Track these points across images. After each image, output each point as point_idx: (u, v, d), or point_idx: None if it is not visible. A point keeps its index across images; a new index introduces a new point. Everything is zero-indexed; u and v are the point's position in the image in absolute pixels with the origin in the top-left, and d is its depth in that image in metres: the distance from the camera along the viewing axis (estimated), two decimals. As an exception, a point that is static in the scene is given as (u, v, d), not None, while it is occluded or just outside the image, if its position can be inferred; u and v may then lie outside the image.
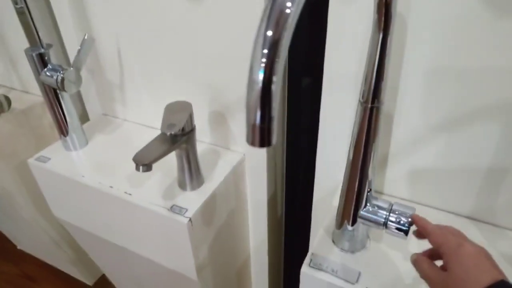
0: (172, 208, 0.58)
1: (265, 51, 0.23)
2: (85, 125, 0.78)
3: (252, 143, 0.25)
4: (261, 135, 0.25)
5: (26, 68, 0.80)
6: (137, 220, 0.63)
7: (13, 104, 0.84)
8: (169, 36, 0.62)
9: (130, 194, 0.61)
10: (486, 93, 0.44)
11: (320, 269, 0.48)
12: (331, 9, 0.48)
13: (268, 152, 0.66)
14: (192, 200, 0.59)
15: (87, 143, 0.73)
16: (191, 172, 0.60)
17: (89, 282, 1.24)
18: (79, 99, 0.83)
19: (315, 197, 0.65)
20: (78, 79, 0.63)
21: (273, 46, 0.23)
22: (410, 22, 0.44)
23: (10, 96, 0.85)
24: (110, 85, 0.75)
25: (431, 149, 0.51)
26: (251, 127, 0.25)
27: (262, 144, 0.25)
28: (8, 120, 0.82)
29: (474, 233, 0.52)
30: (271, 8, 0.24)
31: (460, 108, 0.47)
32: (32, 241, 1.16)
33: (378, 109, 0.40)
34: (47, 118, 0.88)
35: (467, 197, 0.52)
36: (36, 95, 0.88)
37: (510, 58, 0.41)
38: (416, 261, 0.40)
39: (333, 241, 0.52)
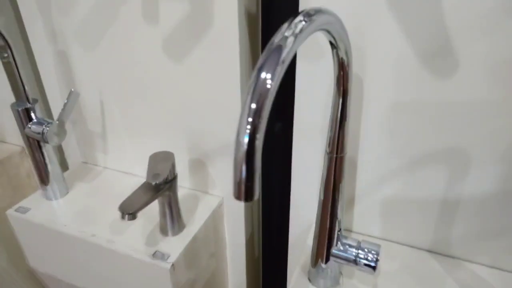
0: (155, 255, 0.60)
1: (250, 119, 0.29)
2: (65, 174, 0.80)
3: (238, 198, 0.29)
4: (246, 191, 0.29)
5: (1, 119, 0.82)
6: (119, 267, 0.64)
7: (-12, 154, 0.85)
8: (151, 90, 0.67)
9: (113, 242, 0.63)
10: (434, 133, 0.52)
11: (298, 307, 0.52)
12: (298, 68, 0.55)
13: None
14: (174, 245, 0.62)
15: (67, 191, 0.75)
16: (173, 218, 0.63)
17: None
18: (58, 147, 0.85)
19: (291, 237, 0.69)
20: (62, 132, 0.66)
21: (256, 116, 0.29)
22: (366, 81, 0.51)
23: (-13, 146, 0.86)
24: (91, 135, 0.78)
25: (391, 187, 0.57)
26: (237, 184, 0.29)
27: (247, 199, 0.29)
28: (-16, 170, 0.83)
29: (433, 266, 0.57)
30: (255, 84, 0.29)
31: (413, 150, 0.53)
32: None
33: (342, 158, 0.46)
34: (24, 168, 0.89)
35: (426, 231, 0.58)
36: (13, 144, 0.89)
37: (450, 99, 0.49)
38: None
39: (309, 279, 0.56)
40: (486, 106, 0.47)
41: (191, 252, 0.64)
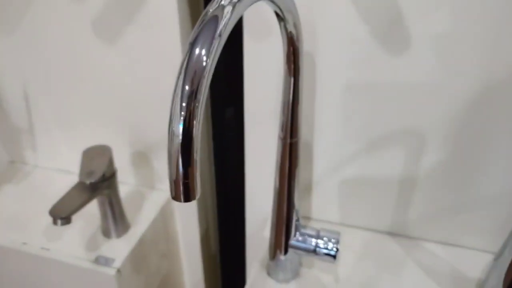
0: (97, 260, 0.54)
1: (184, 104, 0.24)
2: (-11, 176, 0.71)
3: (176, 198, 0.25)
4: (184, 190, 0.24)
5: None
6: (58, 277, 0.57)
7: None
8: (82, 76, 0.59)
9: (47, 249, 0.56)
10: (390, 114, 0.49)
11: (258, 304, 0.49)
12: (246, 46, 0.50)
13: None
14: (119, 248, 0.56)
15: (-8, 196, 0.66)
16: (115, 218, 0.57)
17: None
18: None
19: (248, 230, 0.65)
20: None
21: (191, 99, 0.24)
22: (318, 60, 0.48)
23: None
24: (16, 130, 0.69)
25: (348, 171, 0.55)
26: (173, 182, 0.24)
27: (186, 199, 0.25)
28: None
29: (393, 248, 0.56)
30: (187, 63, 0.24)
31: (369, 132, 0.51)
32: None
33: (296, 143, 0.42)
34: None
35: (385, 214, 0.57)
36: None
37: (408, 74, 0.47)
38: None
39: (268, 273, 0.53)
40: (437, 86, 0.46)
41: (138, 255, 0.58)
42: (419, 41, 0.44)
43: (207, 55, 0.24)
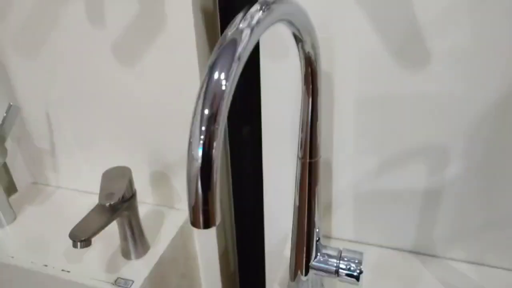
0: (117, 282, 0.54)
1: (203, 127, 0.24)
2: (13, 197, 0.72)
3: (195, 225, 0.24)
4: (204, 217, 0.24)
5: None
6: (78, 299, 0.57)
7: None
8: (102, 99, 0.60)
9: (68, 272, 0.56)
10: (409, 128, 0.48)
11: (279, 327, 0.47)
12: (262, 66, 0.50)
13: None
14: (138, 270, 0.56)
15: (15, 217, 0.67)
16: (135, 239, 0.57)
17: None
18: (4, 169, 0.77)
19: (267, 249, 0.64)
20: (3, 152, 0.59)
21: (211, 122, 0.24)
22: (334, 77, 0.48)
23: None
24: (39, 152, 0.71)
25: (369, 188, 0.54)
26: (192, 208, 0.24)
27: (206, 226, 0.24)
28: None
29: (417, 266, 0.54)
30: (207, 86, 0.24)
31: (389, 147, 0.50)
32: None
33: (316, 162, 0.42)
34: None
35: (408, 232, 0.55)
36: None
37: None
38: None
39: (288, 295, 0.52)
40: (456, 98, 0.44)
41: (158, 276, 0.58)
42: (437, 55, 0.43)
43: (227, 78, 0.24)
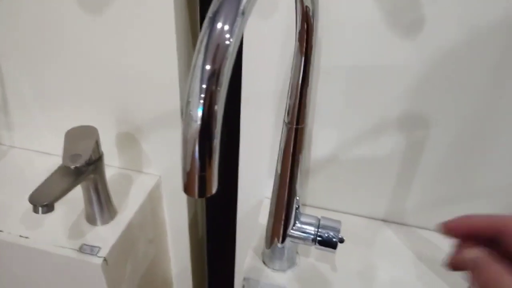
0: (82, 248, 0.51)
1: (204, 85, 0.21)
2: (-42, 156, 0.65)
3: (188, 192, 0.22)
4: (200, 184, 0.22)
5: None
6: (39, 267, 0.54)
7: None
8: (66, 51, 0.54)
9: (26, 238, 0.52)
10: (394, 99, 0.48)
11: (254, 294, 0.47)
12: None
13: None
14: (105, 236, 0.53)
15: (-38, 179, 0.61)
16: (101, 204, 0.53)
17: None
18: None
19: (239, 215, 0.63)
20: None
21: (213, 80, 0.21)
22: (323, 41, 0.45)
23: None
24: (-11, 108, 0.63)
25: (347, 157, 0.53)
26: (187, 175, 0.22)
27: (201, 194, 0.22)
28: None
29: (388, 234, 0.55)
30: (208, 39, 0.21)
31: (372, 117, 0.49)
32: None
33: (302, 129, 0.40)
34: None
35: (381, 201, 0.56)
36: None
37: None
38: (482, 264, 0.24)
39: (263, 262, 0.51)
40: (447, 70, 0.44)
41: (125, 242, 0.55)
42: (432, 21, 0.42)
43: (231, 32, 0.21)
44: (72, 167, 0.45)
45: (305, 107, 0.38)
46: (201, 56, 0.21)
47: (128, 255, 0.57)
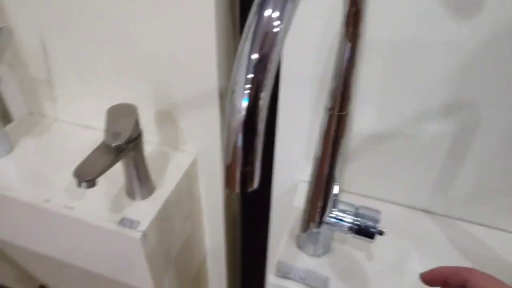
0: (122, 222, 0.52)
1: (250, 75, 0.20)
2: (9, 127, 0.68)
3: (230, 187, 0.21)
4: (242, 179, 0.21)
5: None
6: (83, 236, 0.56)
7: None
8: (107, 28, 0.54)
9: (71, 208, 0.54)
10: (443, 84, 0.45)
11: (288, 278, 0.47)
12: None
13: (223, 152, 0.62)
14: (144, 211, 0.54)
15: (12, 148, 0.64)
16: (140, 180, 0.54)
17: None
18: (-2, 97, 0.72)
19: (274, 196, 0.63)
20: (-3, 79, 0.54)
21: (260, 69, 0.20)
22: (368, 19, 0.42)
23: None
24: (35, 81, 0.66)
25: (390, 144, 0.51)
26: (229, 169, 0.21)
27: (243, 190, 0.21)
28: None
29: (429, 226, 0.53)
30: (256, 26, 0.20)
31: (418, 103, 0.47)
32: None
33: (345, 116, 0.38)
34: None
35: (423, 191, 0.54)
36: None
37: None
38: None
39: (297, 246, 0.51)
40: (504, 53, 0.40)
41: (163, 217, 0.56)
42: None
43: (280, 18, 0.20)
44: (113, 145, 0.46)
45: (349, 93, 0.36)
46: (248, 44, 0.20)
47: (165, 229, 0.58)
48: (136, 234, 0.51)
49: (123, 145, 0.47)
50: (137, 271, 0.56)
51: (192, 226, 0.69)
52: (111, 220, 0.53)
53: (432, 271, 0.33)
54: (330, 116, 0.39)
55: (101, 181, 0.57)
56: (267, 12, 0.20)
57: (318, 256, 0.49)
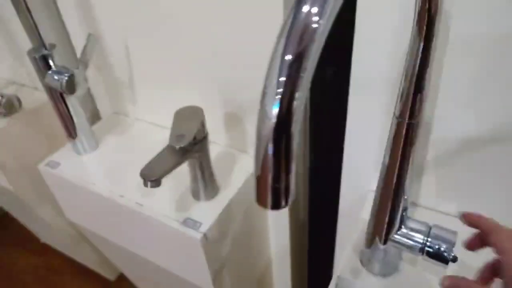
0: (186, 222, 0.54)
1: (282, 78, 0.18)
2: (96, 125, 0.75)
3: (261, 203, 0.20)
4: (274, 196, 0.19)
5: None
6: (150, 231, 0.59)
7: (24, 103, 0.81)
8: (179, 33, 0.56)
9: (141, 205, 0.57)
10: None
11: (347, 296, 0.44)
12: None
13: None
14: (207, 212, 0.55)
15: (97, 145, 0.70)
16: (205, 181, 0.55)
17: (111, 277, 1.23)
18: (90, 97, 0.79)
19: (342, 205, 0.60)
20: (83, 81, 0.59)
21: (294, 70, 0.18)
22: (451, 15, 0.37)
23: (21, 93, 0.82)
24: (119, 83, 0.71)
25: (473, 155, 0.44)
26: (259, 182, 0.19)
27: (275, 207, 0.20)
28: (19, 119, 0.80)
29: None
30: (293, 22, 0.18)
31: (504, 107, 0.40)
32: (54, 236, 1.15)
33: (415, 125, 0.34)
34: (59, 117, 0.85)
35: (509, 211, 0.46)
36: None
37: None
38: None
39: (361, 262, 0.47)
40: None
41: (226, 219, 0.57)
42: None
43: (320, 13, 0.18)
44: (177, 147, 0.47)
45: (420, 100, 0.32)
46: (282, 42, 0.18)
47: (227, 232, 0.59)
48: (197, 235, 0.52)
49: (187, 147, 0.48)
50: (198, 270, 0.57)
51: (256, 228, 0.68)
52: (175, 219, 0.54)
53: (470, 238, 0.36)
54: (399, 125, 0.35)
55: (170, 180, 0.60)
56: (305, 8, 0.18)
57: (383, 275, 0.45)
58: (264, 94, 0.18)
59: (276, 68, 0.18)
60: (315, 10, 0.18)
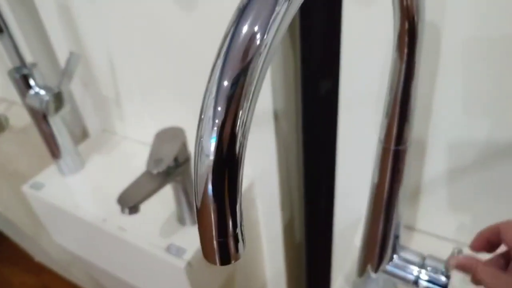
0: (169, 248, 0.51)
1: (219, 108, 0.15)
2: (83, 144, 0.73)
3: (210, 261, 0.17)
4: (222, 252, 0.16)
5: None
6: (133, 257, 0.56)
7: (14, 121, 0.79)
8: (168, 50, 0.54)
9: (124, 230, 0.54)
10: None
11: (337, 332, 0.40)
12: (346, 13, 0.39)
13: (280, 176, 0.57)
14: (191, 238, 0.52)
15: (83, 165, 0.67)
16: (190, 205, 0.52)
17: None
18: (77, 115, 0.77)
19: (336, 229, 0.56)
20: (66, 100, 0.57)
21: (234, 100, 0.15)
22: (442, 21, 0.35)
23: (11, 111, 0.81)
24: (106, 100, 0.69)
25: (470, 176, 0.41)
26: (202, 238, 0.16)
27: (225, 263, 0.17)
28: (8, 138, 0.78)
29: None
30: (231, 40, 0.15)
31: (503, 126, 0.37)
32: (47, 256, 1.13)
33: (402, 151, 0.31)
34: (49, 136, 0.83)
35: None
36: (37, 111, 0.83)
37: None
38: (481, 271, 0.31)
39: (353, 293, 0.44)
40: None
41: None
42: None
43: (263, 27, 0.15)
44: (155, 172, 0.44)
45: (404, 125, 0.29)
46: (218, 65, 0.15)
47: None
48: (181, 263, 0.49)
49: (167, 171, 0.45)
50: (184, 299, 0.54)
51: (250, 253, 0.65)
52: (158, 245, 0.51)
53: (476, 238, 0.33)
54: (384, 151, 0.32)
55: (155, 204, 0.57)
56: (248, 22, 0.15)
57: (377, 309, 0.42)
58: (199, 128, 0.15)
59: (212, 99, 0.15)
60: (259, 23, 0.15)
